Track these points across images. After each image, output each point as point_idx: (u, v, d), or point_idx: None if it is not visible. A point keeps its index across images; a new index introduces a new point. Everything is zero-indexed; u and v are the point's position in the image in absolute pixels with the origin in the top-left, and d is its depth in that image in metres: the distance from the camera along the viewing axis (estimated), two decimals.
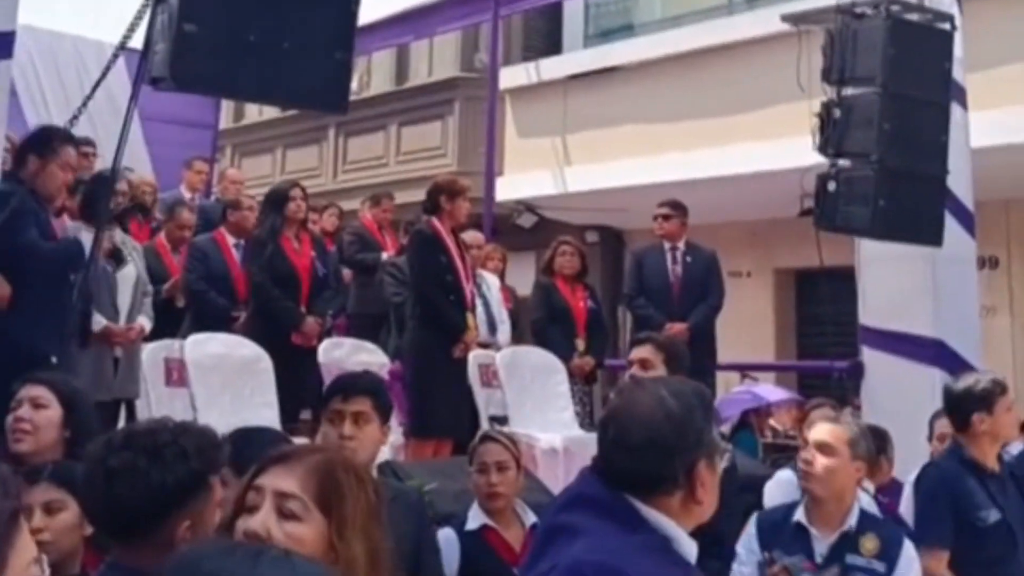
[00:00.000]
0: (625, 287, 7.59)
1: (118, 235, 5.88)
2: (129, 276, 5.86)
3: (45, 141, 5.19)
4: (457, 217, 6.58)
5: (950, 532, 4.13)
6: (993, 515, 4.16)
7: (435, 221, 6.49)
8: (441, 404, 6.21)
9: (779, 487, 4.76)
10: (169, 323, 6.50)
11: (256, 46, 3.84)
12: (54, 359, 4.57)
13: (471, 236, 7.79)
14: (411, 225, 7.56)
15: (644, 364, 3.97)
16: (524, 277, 8.57)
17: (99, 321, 5.50)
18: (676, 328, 6.99)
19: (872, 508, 4.19)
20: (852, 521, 3.70)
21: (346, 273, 8.53)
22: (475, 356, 6.96)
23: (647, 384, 2.18)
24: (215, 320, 6.37)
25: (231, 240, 6.79)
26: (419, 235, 6.59)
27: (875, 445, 4.35)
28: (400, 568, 3.42)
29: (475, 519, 3.99)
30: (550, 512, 2.20)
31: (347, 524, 1.74)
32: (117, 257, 5.64)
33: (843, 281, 7.90)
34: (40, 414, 3.35)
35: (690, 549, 2.00)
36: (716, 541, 3.21)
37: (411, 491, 3.89)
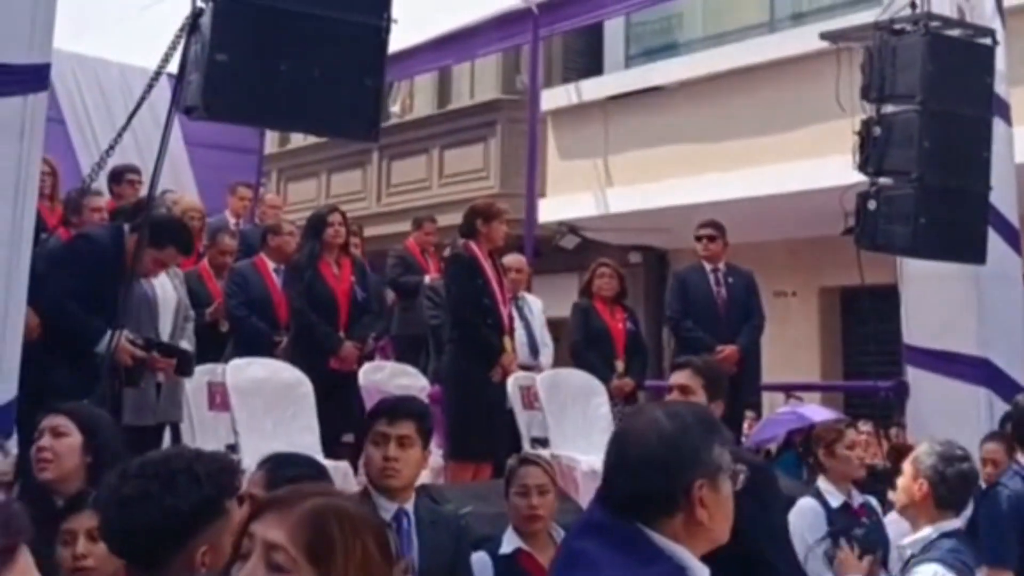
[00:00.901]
0: (669, 309, 7.49)
1: None
2: (170, 301, 5.92)
3: (162, 231, 5.25)
4: (494, 240, 6.60)
5: (1015, 553, 4.13)
6: None
7: (472, 244, 6.52)
8: (479, 427, 6.22)
9: (802, 517, 4.53)
10: (213, 348, 6.57)
11: (287, 75, 3.90)
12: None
13: (513, 259, 7.80)
14: (448, 249, 7.60)
15: (684, 390, 3.78)
16: (567, 299, 8.54)
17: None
18: (728, 351, 6.96)
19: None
20: None
21: (392, 295, 8.59)
22: (516, 378, 6.96)
23: (645, 408, 2.21)
24: (256, 345, 6.43)
25: (271, 265, 6.85)
26: (456, 259, 6.62)
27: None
28: None
29: (510, 543, 4.00)
30: (567, 537, 2.23)
31: None
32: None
33: (888, 300, 7.82)
34: (60, 442, 3.40)
35: (701, 575, 1.98)
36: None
37: (452, 516, 3.91)
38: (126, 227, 5.46)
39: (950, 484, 3.59)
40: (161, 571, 2.11)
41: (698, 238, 7.42)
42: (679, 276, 7.68)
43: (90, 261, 5.23)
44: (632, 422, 2.15)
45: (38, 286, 4.53)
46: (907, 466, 3.72)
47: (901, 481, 3.72)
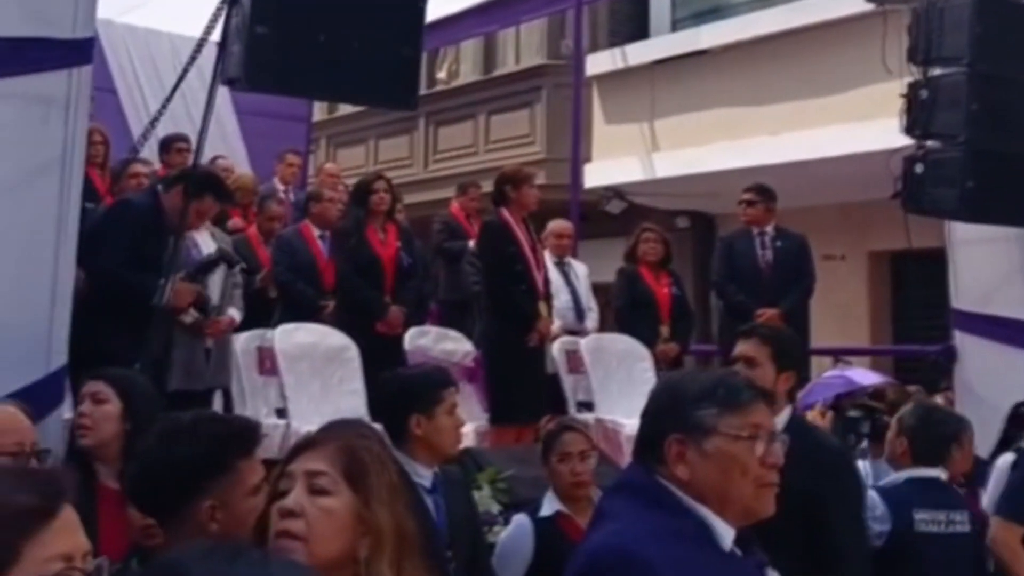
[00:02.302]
0: (714, 274, 7.53)
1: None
2: (220, 268, 6.01)
3: (198, 183, 5.35)
4: (526, 205, 6.63)
5: None
6: None
7: (504, 212, 6.56)
8: (519, 391, 6.29)
9: None
10: (262, 314, 6.68)
11: (326, 45, 3.94)
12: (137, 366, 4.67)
13: (558, 224, 7.84)
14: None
15: (749, 362, 3.54)
16: (613, 264, 8.56)
17: (191, 314, 5.66)
18: (768, 314, 6.96)
19: None
20: None
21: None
22: (562, 343, 7.02)
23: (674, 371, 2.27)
24: (303, 310, 6.53)
25: (316, 231, 6.93)
26: (488, 226, 6.69)
27: (948, 433, 4.28)
28: (455, 546, 3.54)
29: (549, 506, 4.05)
30: (601, 497, 2.33)
31: (373, 496, 1.87)
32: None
33: (936, 264, 7.75)
34: (99, 409, 3.41)
35: (723, 533, 2.01)
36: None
37: (452, 470, 3.93)
38: (159, 187, 5.57)
39: (928, 443, 4.09)
40: (171, 523, 2.20)
41: (740, 202, 7.41)
42: (726, 240, 7.71)
43: (129, 224, 5.34)
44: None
45: (85, 254, 4.62)
46: (893, 423, 4.25)
47: (888, 436, 4.26)
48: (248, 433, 2.35)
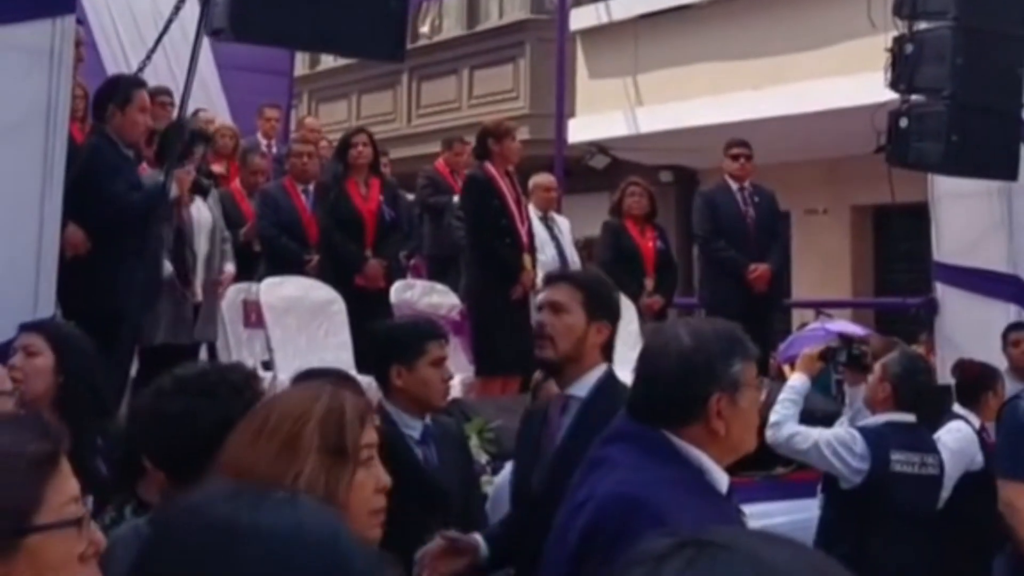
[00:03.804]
0: (698, 228, 7.49)
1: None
2: (205, 222, 6.01)
3: (118, 89, 5.33)
4: (508, 159, 6.64)
5: None
6: None
7: (488, 165, 6.57)
8: (504, 343, 6.31)
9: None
10: (246, 267, 6.68)
11: None
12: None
13: (543, 178, 7.83)
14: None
15: (556, 308, 3.13)
16: (598, 218, 8.57)
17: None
18: (761, 269, 7.04)
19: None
20: None
21: None
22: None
23: (668, 324, 2.28)
24: (288, 264, 6.53)
25: (300, 186, 6.92)
26: (471, 180, 6.70)
27: (983, 383, 4.86)
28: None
29: None
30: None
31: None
32: (200, 188, 5.77)
33: (919, 217, 7.80)
34: (31, 362, 3.30)
35: (720, 479, 2.09)
36: None
37: (445, 421, 3.95)
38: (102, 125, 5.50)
39: (911, 391, 4.23)
40: (199, 480, 2.18)
41: (734, 156, 7.38)
42: (705, 196, 7.63)
43: (108, 154, 5.29)
44: (655, 338, 2.25)
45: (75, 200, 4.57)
46: (877, 368, 4.33)
47: (870, 379, 4.36)
48: (256, 376, 2.35)
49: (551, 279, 3.40)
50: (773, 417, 4.16)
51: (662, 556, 0.90)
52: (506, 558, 3.19)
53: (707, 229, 7.34)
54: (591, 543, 2.03)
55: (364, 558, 1.06)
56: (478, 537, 3.19)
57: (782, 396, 4.36)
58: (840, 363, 4.62)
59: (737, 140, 7.49)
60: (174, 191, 5.28)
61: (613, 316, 3.19)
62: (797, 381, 4.46)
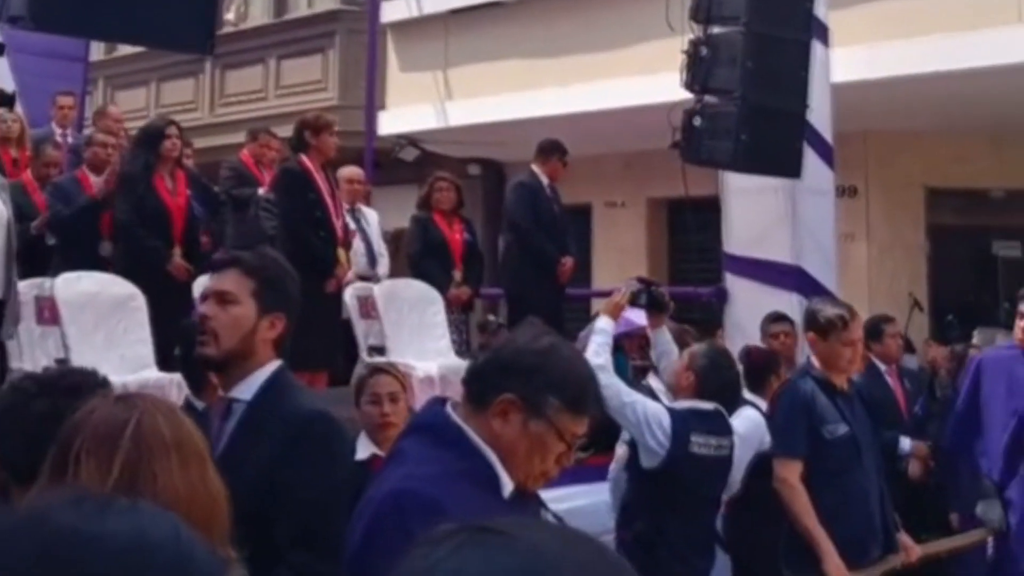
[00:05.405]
0: (518, 218, 7.39)
1: None
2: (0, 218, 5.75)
3: None
4: (325, 152, 6.59)
5: (803, 443, 4.47)
6: (841, 428, 4.49)
7: (304, 158, 6.52)
8: (314, 337, 6.28)
9: None
10: (39, 262, 6.42)
11: None
12: None
13: (350, 171, 7.83)
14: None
15: (222, 298, 2.69)
16: (407, 210, 8.63)
17: None
18: (569, 262, 7.34)
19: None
20: None
21: None
22: (355, 289, 7.04)
23: (526, 326, 2.34)
24: (83, 258, 6.31)
25: (93, 178, 6.68)
26: (287, 173, 6.61)
27: (768, 367, 5.26)
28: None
29: (364, 449, 4.00)
30: (397, 437, 2.31)
31: None
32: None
33: (710, 211, 8.17)
34: None
35: (506, 482, 2.07)
36: None
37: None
38: None
39: (714, 383, 4.41)
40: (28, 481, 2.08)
41: (564, 164, 7.45)
42: (527, 186, 7.52)
43: None
44: (534, 330, 2.24)
45: None
46: (684, 355, 4.56)
47: (675, 366, 4.59)
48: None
49: (217, 264, 2.87)
50: (597, 360, 4.16)
51: (436, 542, 0.96)
52: None
53: (529, 220, 7.36)
54: (372, 542, 2.00)
55: (205, 559, 1.10)
56: None
57: (598, 340, 4.47)
58: (641, 305, 4.82)
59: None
60: None
61: (289, 307, 2.76)
62: (607, 324, 4.59)
